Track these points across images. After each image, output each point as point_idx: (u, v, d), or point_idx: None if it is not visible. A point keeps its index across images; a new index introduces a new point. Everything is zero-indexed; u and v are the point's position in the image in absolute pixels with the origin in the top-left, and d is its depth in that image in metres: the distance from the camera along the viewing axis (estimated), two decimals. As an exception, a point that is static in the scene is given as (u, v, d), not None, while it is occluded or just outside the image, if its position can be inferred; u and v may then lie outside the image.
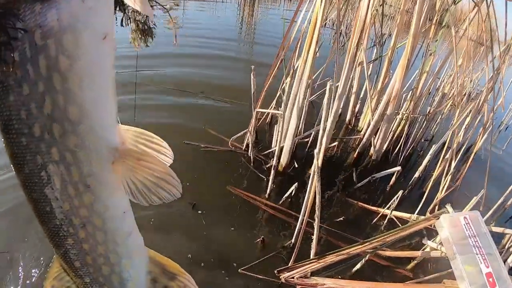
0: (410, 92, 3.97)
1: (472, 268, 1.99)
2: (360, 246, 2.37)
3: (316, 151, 2.44)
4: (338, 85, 3.33)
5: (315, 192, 2.30)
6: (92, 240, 0.66)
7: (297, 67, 3.16)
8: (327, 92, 2.55)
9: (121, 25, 1.61)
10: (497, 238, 2.72)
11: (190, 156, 3.43)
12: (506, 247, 2.68)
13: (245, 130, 3.50)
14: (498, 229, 2.68)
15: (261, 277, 2.44)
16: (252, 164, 3.49)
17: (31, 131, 0.49)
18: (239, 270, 2.48)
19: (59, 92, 0.47)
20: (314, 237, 2.43)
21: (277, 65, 3.27)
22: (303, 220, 2.40)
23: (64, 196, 0.58)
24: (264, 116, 4.04)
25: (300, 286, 2.29)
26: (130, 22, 1.75)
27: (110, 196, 0.64)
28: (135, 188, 0.63)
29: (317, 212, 2.32)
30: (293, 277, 2.33)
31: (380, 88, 3.97)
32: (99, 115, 0.53)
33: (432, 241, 2.58)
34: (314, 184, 2.31)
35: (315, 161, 2.36)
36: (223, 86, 5.06)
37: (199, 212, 2.87)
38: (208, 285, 2.36)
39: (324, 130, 2.62)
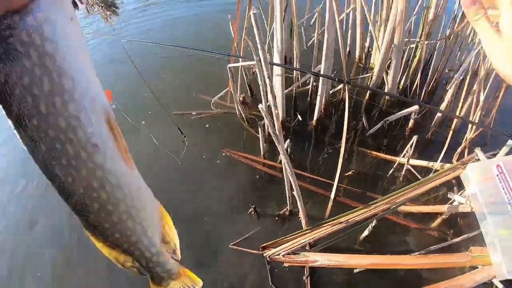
0: (423, 12, 3.31)
1: (508, 233, 1.51)
2: (363, 210, 1.95)
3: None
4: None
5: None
6: (112, 199, 0.72)
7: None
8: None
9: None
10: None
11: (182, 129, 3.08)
12: None
13: (226, 89, 3.04)
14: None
15: (253, 251, 2.15)
16: (247, 123, 3.10)
17: (39, 110, 0.61)
18: (229, 245, 2.23)
19: (52, 71, 0.60)
20: (299, 203, 2.02)
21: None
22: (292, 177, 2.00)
23: (80, 161, 0.66)
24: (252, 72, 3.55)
25: (289, 264, 1.93)
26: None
27: (114, 152, 0.70)
28: None
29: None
30: (278, 254, 1.96)
31: (386, 15, 3.33)
32: (87, 80, 0.65)
33: (461, 195, 2.10)
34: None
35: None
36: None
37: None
38: (199, 259, 2.19)
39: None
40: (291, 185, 2.00)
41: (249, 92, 3.40)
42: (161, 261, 0.85)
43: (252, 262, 2.14)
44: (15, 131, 0.61)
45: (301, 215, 2.04)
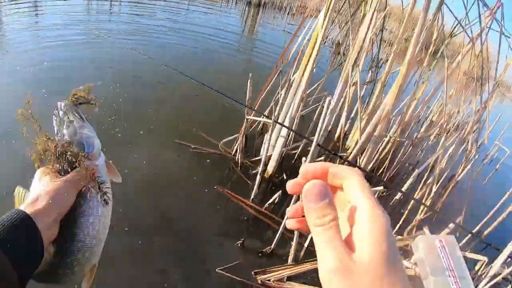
0: (400, 116, 4.11)
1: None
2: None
3: (304, 159, 2.54)
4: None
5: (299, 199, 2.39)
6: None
7: (293, 80, 3.27)
8: (324, 107, 2.66)
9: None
10: (470, 264, 2.85)
11: (179, 156, 3.50)
12: (479, 273, 2.78)
13: (235, 135, 3.57)
14: (472, 255, 2.79)
15: (238, 279, 2.50)
16: (239, 169, 3.56)
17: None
18: (216, 269, 2.54)
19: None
20: (294, 242, 2.51)
21: (275, 75, 3.37)
22: (284, 224, 2.49)
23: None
24: (255, 124, 4.13)
25: (276, 290, 2.36)
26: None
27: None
28: None
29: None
30: (269, 280, 2.40)
31: (370, 110, 4.11)
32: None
33: (407, 261, 2.68)
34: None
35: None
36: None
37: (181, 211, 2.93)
38: (186, 280, 2.42)
39: (317, 140, 2.71)
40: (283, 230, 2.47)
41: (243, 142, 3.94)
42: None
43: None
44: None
45: (292, 251, 2.52)
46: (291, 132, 3.28)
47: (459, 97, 4.74)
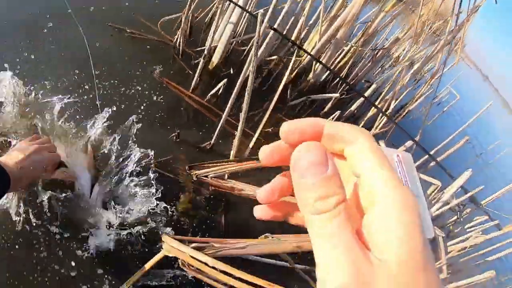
0: (364, 25, 3.72)
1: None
2: (286, 157, 2.12)
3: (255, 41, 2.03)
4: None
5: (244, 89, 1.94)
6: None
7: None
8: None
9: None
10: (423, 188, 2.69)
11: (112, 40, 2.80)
12: (429, 198, 2.65)
13: (178, 14, 2.94)
14: (426, 177, 2.62)
15: (169, 175, 2.09)
16: (180, 57, 2.98)
17: None
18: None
19: None
20: (237, 135, 2.11)
21: None
22: (225, 117, 2.06)
23: None
24: (203, 13, 3.49)
25: (214, 188, 1.97)
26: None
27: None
28: None
29: (245, 107, 1.97)
30: (206, 176, 1.99)
31: (333, 15, 3.64)
32: None
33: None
34: (250, 78, 1.94)
35: (252, 53, 1.97)
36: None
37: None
38: None
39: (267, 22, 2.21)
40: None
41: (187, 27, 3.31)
42: None
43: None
44: None
45: (235, 144, 2.12)
46: (245, 13, 2.72)
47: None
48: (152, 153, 1.82)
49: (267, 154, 0.36)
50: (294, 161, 0.31)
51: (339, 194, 0.28)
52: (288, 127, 0.35)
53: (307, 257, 2.04)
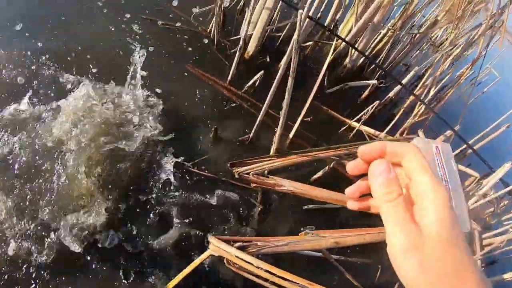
0: (403, 7, 3.54)
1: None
2: (327, 151, 2.08)
3: (294, 37, 1.97)
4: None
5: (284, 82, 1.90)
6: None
7: None
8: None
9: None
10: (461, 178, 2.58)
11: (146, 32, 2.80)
12: (467, 189, 2.54)
13: (211, 6, 2.89)
14: (465, 169, 2.53)
15: (208, 174, 2.12)
16: (215, 47, 2.95)
17: None
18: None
19: None
20: (278, 130, 2.09)
21: None
22: (265, 109, 2.04)
23: None
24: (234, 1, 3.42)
25: (256, 185, 1.97)
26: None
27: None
28: None
29: (287, 99, 1.94)
30: (248, 173, 1.99)
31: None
32: None
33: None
34: (289, 82, 1.90)
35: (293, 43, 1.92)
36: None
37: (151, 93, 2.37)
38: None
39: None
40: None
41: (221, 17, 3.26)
42: None
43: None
44: None
45: (275, 140, 2.10)
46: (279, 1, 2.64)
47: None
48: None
49: (352, 168, 0.54)
50: (372, 170, 0.50)
51: (398, 189, 0.47)
52: (363, 149, 0.52)
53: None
